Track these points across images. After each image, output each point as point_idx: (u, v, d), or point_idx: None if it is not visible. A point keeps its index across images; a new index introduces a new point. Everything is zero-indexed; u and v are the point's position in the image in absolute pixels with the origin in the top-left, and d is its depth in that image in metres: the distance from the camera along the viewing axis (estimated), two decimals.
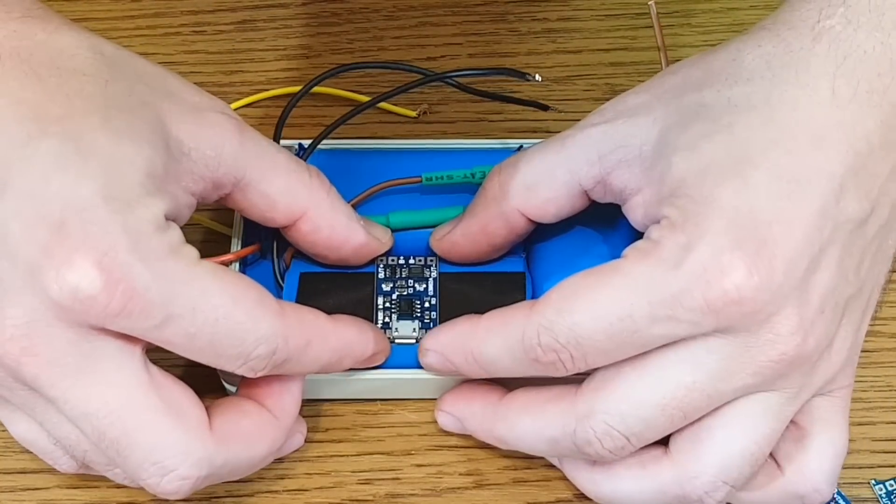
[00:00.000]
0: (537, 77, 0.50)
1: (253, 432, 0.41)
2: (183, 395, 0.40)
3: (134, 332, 0.38)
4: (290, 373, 0.42)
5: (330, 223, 0.44)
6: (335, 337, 0.42)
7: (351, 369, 0.44)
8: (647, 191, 0.41)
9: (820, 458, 0.41)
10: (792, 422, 0.41)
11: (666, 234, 0.39)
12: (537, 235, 0.48)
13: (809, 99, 0.39)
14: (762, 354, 0.38)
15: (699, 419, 0.40)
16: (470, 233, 0.46)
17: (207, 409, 0.40)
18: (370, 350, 0.44)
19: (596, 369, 0.40)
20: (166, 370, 0.40)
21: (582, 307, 0.39)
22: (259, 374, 0.40)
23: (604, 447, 0.40)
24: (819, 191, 0.38)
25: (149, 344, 0.39)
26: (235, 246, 0.47)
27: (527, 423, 0.42)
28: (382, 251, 0.47)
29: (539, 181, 0.44)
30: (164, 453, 0.38)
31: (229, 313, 0.38)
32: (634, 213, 0.42)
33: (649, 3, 0.48)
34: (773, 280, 0.37)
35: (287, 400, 0.42)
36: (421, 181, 0.48)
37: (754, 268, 0.37)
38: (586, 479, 0.43)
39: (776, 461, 0.41)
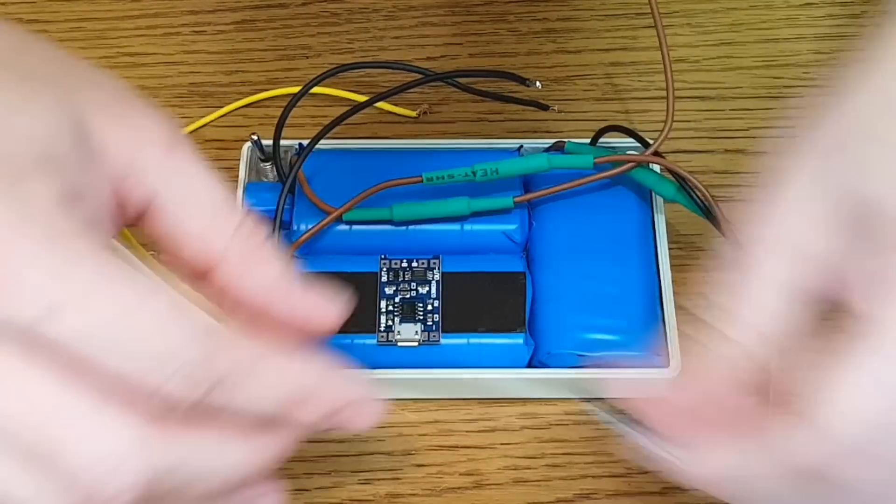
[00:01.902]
0: (538, 84, 0.50)
1: (213, 436, 0.33)
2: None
3: (19, 328, 0.30)
4: (242, 405, 0.33)
5: (248, 285, 0.35)
6: (292, 363, 0.34)
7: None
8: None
9: None
10: None
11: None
12: (537, 235, 0.48)
13: None
14: None
15: None
16: None
17: None
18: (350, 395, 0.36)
19: None
20: None
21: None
22: (197, 400, 0.31)
23: None
24: None
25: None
26: None
27: None
28: (335, 317, 0.37)
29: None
30: (100, 446, 0.31)
31: (139, 307, 0.31)
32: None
33: None
34: None
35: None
36: (421, 181, 0.48)
37: None
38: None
39: None
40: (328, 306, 0.36)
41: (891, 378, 0.33)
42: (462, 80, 0.52)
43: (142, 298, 0.31)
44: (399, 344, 0.46)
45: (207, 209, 0.35)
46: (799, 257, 0.35)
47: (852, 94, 0.36)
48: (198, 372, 0.31)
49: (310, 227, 0.47)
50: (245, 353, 0.32)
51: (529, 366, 0.46)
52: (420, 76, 0.50)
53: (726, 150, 0.53)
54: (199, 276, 0.36)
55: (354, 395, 0.36)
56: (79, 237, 0.31)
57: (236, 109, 0.54)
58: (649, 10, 0.48)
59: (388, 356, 0.46)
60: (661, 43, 0.48)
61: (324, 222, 0.47)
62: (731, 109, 0.54)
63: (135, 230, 0.40)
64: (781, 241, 0.35)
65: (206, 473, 0.33)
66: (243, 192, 0.49)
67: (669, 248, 0.48)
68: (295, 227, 0.48)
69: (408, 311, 0.46)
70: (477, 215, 0.48)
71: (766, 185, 0.36)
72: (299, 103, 0.49)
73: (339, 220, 0.48)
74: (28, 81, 0.33)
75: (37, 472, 0.31)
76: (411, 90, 0.50)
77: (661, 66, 0.48)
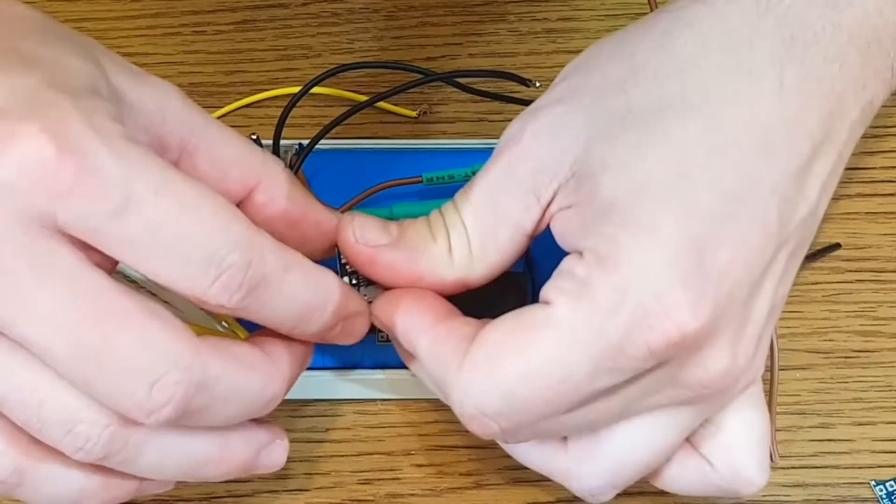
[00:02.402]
0: (538, 84, 0.50)
1: (246, 357, 0.36)
2: (163, 307, 0.34)
3: (89, 227, 0.32)
4: (269, 309, 0.36)
5: (286, 194, 0.39)
6: (317, 273, 0.37)
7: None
8: (577, 208, 0.36)
9: (744, 448, 0.39)
10: (708, 418, 0.39)
11: (596, 274, 0.35)
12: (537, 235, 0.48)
13: (752, 92, 0.35)
14: (684, 383, 0.36)
15: None
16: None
17: None
18: (349, 309, 0.39)
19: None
20: None
21: (514, 372, 0.35)
22: (234, 302, 0.34)
23: (507, 444, 0.38)
24: (764, 208, 0.35)
25: (110, 265, 0.34)
26: None
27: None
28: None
29: (491, 261, 0.39)
30: (152, 355, 0.33)
31: (197, 205, 0.33)
32: (562, 226, 0.37)
33: None
34: (715, 314, 0.34)
35: (286, 352, 0.38)
36: (421, 181, 0.48)
37: (698, 306, 0.34)
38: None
39: (706, 458, 0.39)
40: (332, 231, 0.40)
41: (575, 351, 0.34)
42: (462, 80, 0.52)
43: (199, 199, 0.33)
44: None
45: (234, 138, 0.38)
46: (533, 202, 0.37)
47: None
48: (239, 275, 0.34)
49: None
50: (279, 258, 0.35)
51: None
52: (420, 76, 0.50)
53: None
54: (243, 203, 0.39)
55: (361, 308, 0.39)
56: (137, 145, 0.33)
57: (236, 109, 0.54)
58: (649, 11, 0.48)
59: (389, 356, 0.45)
60: None
61: None
62: None
63: None
64: (518, 184, 0.37)
65: (235, 393, 0.36)
66: None
67: None
68: None
69: None
70: None
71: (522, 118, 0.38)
72: (299, 103, 0.49)
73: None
74: (64, 41, 0.35)
75: (90, 374, 0.33)
76: (411, 90, 0.50)
77: None
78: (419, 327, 0.38)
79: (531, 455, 0.40)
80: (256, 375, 0.36)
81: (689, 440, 0.40)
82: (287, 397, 0.46)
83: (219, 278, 0.34)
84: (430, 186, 0.48)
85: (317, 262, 0.38)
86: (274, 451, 0.40)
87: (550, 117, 0.38)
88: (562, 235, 0.38)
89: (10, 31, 0.36)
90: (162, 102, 0.37)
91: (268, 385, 0.37)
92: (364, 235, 0.39)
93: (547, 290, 0.36)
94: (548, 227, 0.39)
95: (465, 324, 0.38)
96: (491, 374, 0.36)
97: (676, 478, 0.40)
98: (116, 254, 0.33)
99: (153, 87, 0.37)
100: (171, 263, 0.33)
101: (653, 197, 0.34)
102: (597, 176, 0.36)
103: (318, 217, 0.40)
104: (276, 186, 0.39)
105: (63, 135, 0.32)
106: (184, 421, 0.35)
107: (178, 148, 0.37)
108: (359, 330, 0.40)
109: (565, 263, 0.37)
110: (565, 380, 0.35)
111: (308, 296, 0.36)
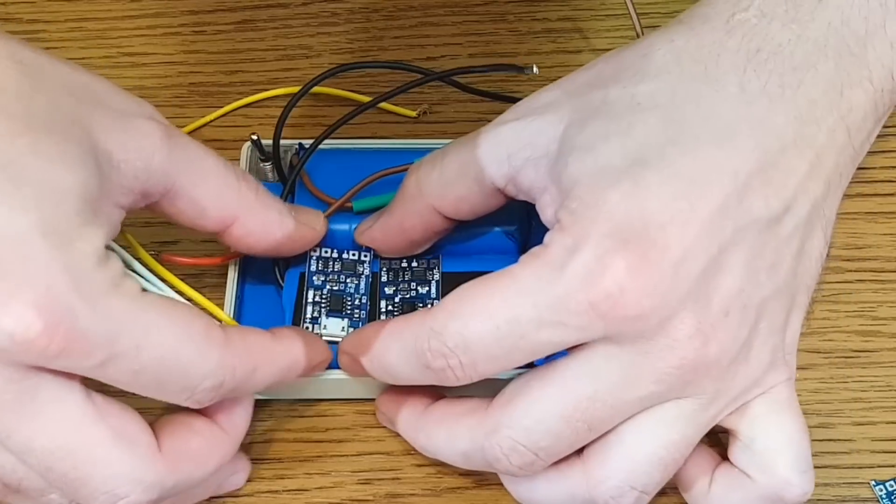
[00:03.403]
0: (535, 69, 0.50)
1: (203, 451, 0.41)
2: (129, 421, 0.39)
3: (74, 371, 0.37)
4: (235, 396, 0.41)
5: (262, 225, 0.44)
6: (282, 357, 0.42)
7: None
8: (552, 190, 0.40)
9: (779, 454, 0.40)
10: (737, 431, 0.41)
11: (556, 238, 0.38)
12: (537, 235, 0.48)
13: (715, 95, 0.38)
14: (661, 361, 0.38)
15: (613, 427, 0.39)
16: (388, 228, 0.45)
17: (154, 426, 0.40)
18: (314, 363, 0.43)
19: (507, 384, 0.40)
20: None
21: (471, 311, 0.38)
22: (204, 406, 0.39)
23: (512, 463, 0.39)
24: (719, 190, 0.37)
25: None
26: None
27: (442, 435, 0.42)
28: (317, 239, 0.46)
29: (452, 179, 0.43)
30: (116, 482, 0.38)
31: (175, 349, 0.37)
32: (544, 214, 0.41)
33: None
34: (662, 282, 0.36)
35: (238, 414, 0.42)
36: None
37: (639, 269, 0.36)
38: (507, 478, 0.42)
39: (744, 472, 0.41)
40: (318, 221, 0.46)
41: (523, 297, 0.37)
42: (462, 80, 0.52)
43: (178, 344, 0.38)
44: None
45: (212, 176, 0.42)
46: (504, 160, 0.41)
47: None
48: (211, 394, 0.39)
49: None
50: (247, 366, 0.40)
51: (529, 365, 0.46)
52: (420, 76, 0.50)
53: None
54: (221, 234, 0.43)
55: (323, 357, 0.44)
56: (120, 292, 0.37)
57: (236, 109, 0.54)
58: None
59: None
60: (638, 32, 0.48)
61: (331, 209, 0.47)
62: None
63: (135, 232, 0.42)
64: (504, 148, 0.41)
65: (196, 483, 0.40)
66: None
67: None
68: None
69: (408, 311, 0.46)
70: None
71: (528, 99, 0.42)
72: (299, 103, 0.49)
73: (347, 210, 0.48)
74: (55, 131, 0.37)
75: (60, 487, 0.38)
76: (411, 90, 0.50)
77: None
78: (373, 331, 0.42)
79: (548, 489, 0.41)
80: (213, 459, 0.41)
81: (727, 458, 0.41)
82: (287, 397, 0.46)
83: (192, 398, 0.39)
84: None
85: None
86: (233, 480, 0.44)
87: (544, 97, 0.42)
88: (548, 215, 0.41)
89: None
90: (146, 155, 0.40)
91: (222, 458, 0.41)
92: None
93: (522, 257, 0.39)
94: (545, 226, 0.40)
95: (413, 313, 0.41)
96: (451, 311, 0.39)
97: (719, 497, 0.41)
98: (103, 381, 0.37)
99: (140, 136, 0.40)
100: (151, 392, 0.38)
101: (607, 175, 0.37)
102: (566, 157, 0.39)
103: (292, 236, 0.45)
104: (250, 221, 0.43)
105: (51, 309, 0.35)
106: None
107: (159, 193, 0.41)
108: (319, 371, 0.44)
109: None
110: (510, 321, 0.38)
111: (273, 379, 0.41)
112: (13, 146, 0.36)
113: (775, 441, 0.40)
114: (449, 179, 0.43)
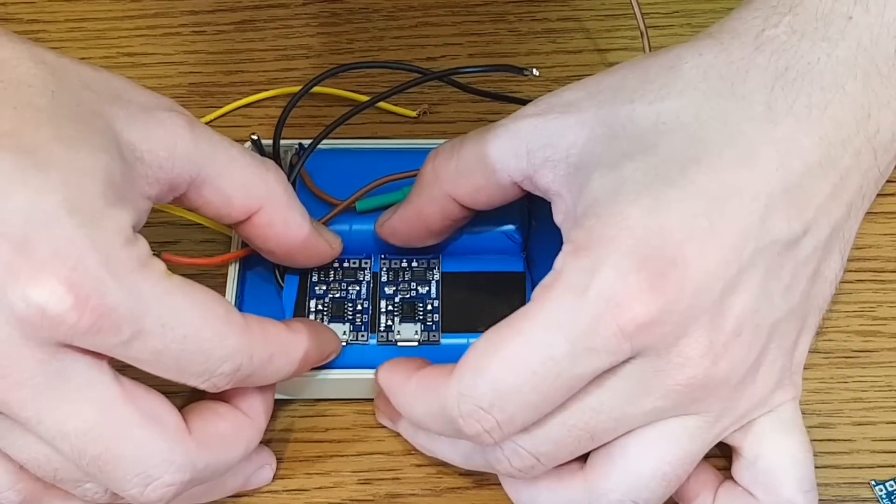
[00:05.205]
0: (535, 72, 0.50)
1: (230, 434, 0.41)
2: (158, 403, 0.39)
3: (101, 349, 0.37)
4: (251, 385, 0.41)
5: (284, 218, 0.44)
6: (296, 348, 0.42)
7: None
8: (567, 198, 0.40)
9: (782, 473, 0.40)
10: (742, 449, 0.41)
11: (569, 261, 0.37)
12: (537, 235, 0.48)
13: (742, 113, 0.38)
14: (670, 378, 0.37)
15: (617, 438, 0.39)
16: (408, 218, 0.45)
17: (182, 413, 0.40)
18: (325, 354, 0.44)
19: None
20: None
21: (500, 362, 0.37)
22: (220, 390, 0.39)
23: (513, 465, 0.39)
24: (741, 210, 0.37)
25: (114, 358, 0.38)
26: (235, 246, 0.47)
27: (444, 437, 0.42)
28: (332, 256, 0.46)
29: (470, 169, 0.43)
30: (148, 462, 0.38)
31: (197, 331, 0.38)
32: (557, 216, 0.41)
33: None
34: (681, 301, 0.36)
35: (260, 401, 0.42)
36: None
37: (660, 288, 0.36)
38: (509, 483, 0.42)
39: (747, 490, 0.41)
40: (336, 241, 0.46)
41: (551, 332, 0.36)
42: (462, 80, 0.52)
43: (201, 324, 0.38)
44: (399, 344, 0.46)
45: (239, 165, 0.42)
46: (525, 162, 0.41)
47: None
48: (228, 377, 0.39)
49: None
50: (264, 352, 0.40)
51: None
52: (420, 76, 0.50)
53: None
54: (241, 225, 0.43)
55: (333, 346, 0.45)
56: (147, 271, 0.37)
57: (236, 109, 0.54)
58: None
59: (389, 356, 0.45)
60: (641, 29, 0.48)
61: (334, 212, 0.47)
62: None
63: (143, 231, 0.42)
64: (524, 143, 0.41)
65: (222, 467, 0.40)
66: None
67: None
68: None
69: (408, 311, 0.46)
70: (476, 215, 0.48)
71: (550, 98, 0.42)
72: (299, 103, 0.49)
73: (351, 209, 0.48)
74: (77, 120, 0.38)
75: (92, 472, 0.38)
76: (411, 90, 0.50)
77: (645, 52, 0.48)
78: (402, 379, 0.42)
79: (550, 498, 0.40)
80: (241, 444, 0.41)
81: (731, 476, 0.41)
82: (287, 397, 0.46)
83: (210, 380, 0.39)
84: None
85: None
86: (262, 474, 0.44)
87: (568, 96, 0.41)
88: (560, 220, 0.40)
89: (17, 112, 0.37)
90: (171, 145, 0.40)
91: (249, 443, 0.42)
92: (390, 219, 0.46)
93: (533, 294, 0.38)
94: (545, 225, 0.40)
95: (442, 366, 0.40)
96: (478, 368, 0.37)
97: None
98: (126, 361, 0.38)
99: (162, 128, 0.40)
100: (171, 373, 0.38)
101: (627, 193, 0.37)
102: (589, 171, 0.39)
103: (309, 242, 0.45)
104: (275, 212, 0.43)
105: (80, 285, 0.35)
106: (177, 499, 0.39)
107: (186, 184, 0.41)
108: (328, 361, 0.45)
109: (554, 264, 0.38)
110: (545, 362, 0.36)
111: (288, 370, 0.42)
112: (39, 134, 0.37)
113: (779, 460, 0.40)
114: (465, 170, 0.43)
